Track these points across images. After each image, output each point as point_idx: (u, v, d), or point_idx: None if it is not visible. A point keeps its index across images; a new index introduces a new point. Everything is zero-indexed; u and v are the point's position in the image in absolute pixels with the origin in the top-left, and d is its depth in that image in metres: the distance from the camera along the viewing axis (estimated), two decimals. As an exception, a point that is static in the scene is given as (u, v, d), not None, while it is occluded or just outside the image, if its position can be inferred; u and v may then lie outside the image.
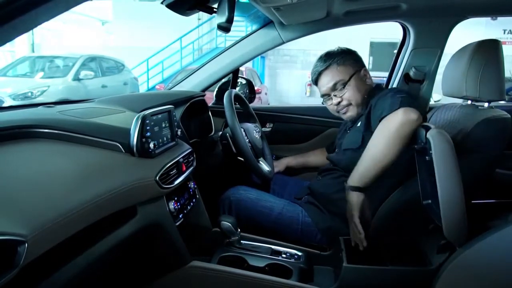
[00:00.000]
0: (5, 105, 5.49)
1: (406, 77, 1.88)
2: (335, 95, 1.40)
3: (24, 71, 7.05)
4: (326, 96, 1.43)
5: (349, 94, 1.38)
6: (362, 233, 1.16)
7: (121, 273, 1.08)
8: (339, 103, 1.40)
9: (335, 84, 1.39)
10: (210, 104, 1.84)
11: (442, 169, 0.95)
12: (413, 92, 1.86)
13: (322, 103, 1.48)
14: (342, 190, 1.28)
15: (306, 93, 11.27)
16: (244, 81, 2.01)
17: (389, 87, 1.97)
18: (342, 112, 1.42)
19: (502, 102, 1.75)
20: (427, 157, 1.01)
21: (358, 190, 1.17)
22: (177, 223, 1.07)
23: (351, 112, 1.40)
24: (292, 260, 1.23)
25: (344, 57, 1.40)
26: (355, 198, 1.17)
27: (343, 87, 1.38)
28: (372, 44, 11.42)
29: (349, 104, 1.39)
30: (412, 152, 1.14)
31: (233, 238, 1.23)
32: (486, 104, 1.31)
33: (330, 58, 1.40)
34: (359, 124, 1.36)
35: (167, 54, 10.52)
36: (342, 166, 1.37)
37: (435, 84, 1.89)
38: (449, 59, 1.41)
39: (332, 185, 1.35)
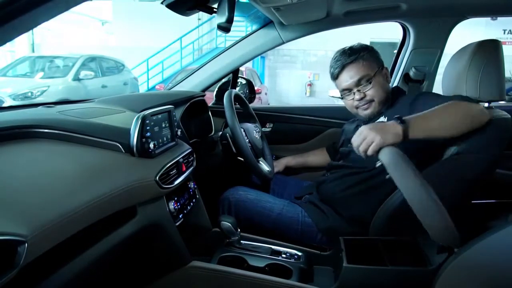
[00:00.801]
0: (5, 105, 5.49)
1: (406, 77, 1.89)
2: (358, 90, 1.35)
3: (24, 71, 7.05)
4: (347, 91, 1.39)
5: (374, 90, 1.34)
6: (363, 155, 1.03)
7: (121, 273, 1.08)
8: (362, 98, 1.35)
9: (360, 79, 1.34)
10: (210, 104, 1.84)
11: (403, 185, 0.94)
12: (413, 92, 1.86)
13: (341, 97, 1.44)
14: (350, 188, 1.28)
15: (306, 93, 11.26)
16: (244, 81, 2.01)
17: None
18: (362, 108, 1.37)
19: (502, 102, 1.75)
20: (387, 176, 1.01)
21: (404, 136, 1.00)
22: (177, 223, 1.07)
23: (372, 109, 1.36)
24: (292, 260, 1.23)
25: (370, 53, 1.38)
26: (395, 130, 1.00)
27: (369, 83, 1.34)
28: (372, 44, 11.42)
29: (372, 101, 1.35)
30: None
31: (233, 238, 1.23)
32: (486, 104, 1.31)
33: (356, 52, 1.36)
34: (381, 119, 1.33)
35: (167, 54, 10.52)
36: (357, 163, 1.34)
37: (435, 84, 1.89)
38: (449, 59, 1.41)
39: (342, 183, 1.34)
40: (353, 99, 1.37)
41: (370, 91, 1.34)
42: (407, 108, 1.23)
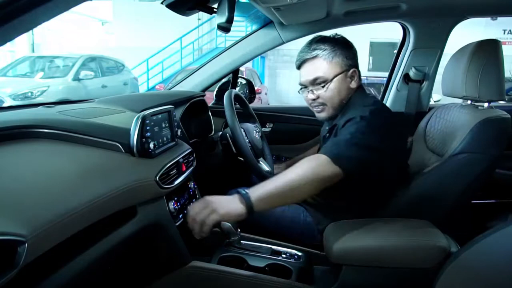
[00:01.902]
0: (5, 105, 5.49)
1: (406, 77, 1.89)
2: (311, 90, 1.26)
3: (24, 71, 7.06)
4: (303, 86, 1.30)
5: (327, 95, 1.24)
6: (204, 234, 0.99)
7: (121, 273, 1.08)
8: (314, 99, 1.27)
9: (315, 79, 1.24)
10: (210, 104, 1.85)
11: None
12: (413, 92, 1.87)
13: (298, 91, 1.35)
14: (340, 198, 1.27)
15: (306, 93, 11.24)
16: (244, 81, 2.01)
17: (389, 87, 1.97)
18: (315, 110, 1.31)
19: (502, 102, 1.75)
20: None
21: (248, 213, 0.98)
22: (177, 223, 1.07)
23: (325, 114, 1.29)
24: (292, 260, 1.23)
25: (336, 51, 1.24)
26: (238, 211, 0.98)
27: (322, 86, 1.24)
28: (372, 44, 11.43)
29: (324, 104, 1.27)
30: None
31: (233, 238, 1.23)
32: (486, 104, 1.31)
33: (320, 47, 1.24)
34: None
35: (167, 54, 10.52)
36: None
37: (435, 84, 1.89)
38: (449, 59, 1.41)
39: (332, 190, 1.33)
40: (307, 97, 1.30)
41: (323, 95, 1.25)
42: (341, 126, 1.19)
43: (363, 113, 1.14)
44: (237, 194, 1.00)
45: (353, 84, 1.27)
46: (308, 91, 1.28)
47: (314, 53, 1.24)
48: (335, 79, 1.23)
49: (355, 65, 1.28)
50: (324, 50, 1.24)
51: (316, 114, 1.32)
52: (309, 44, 1.28)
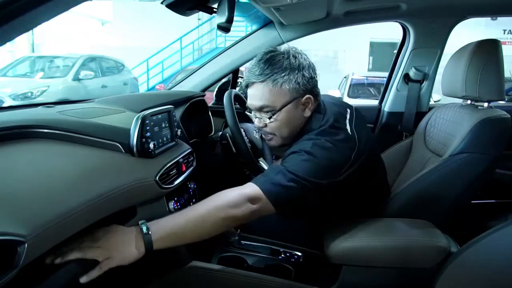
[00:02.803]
0: (5, 105, 5.49)
1: (406, 77, 1.89)
2: (259, 117, 1.12)
3: (24, 71, 7.06)
4: (250, 110, 1.16)
5: (274, 125, 1.11)
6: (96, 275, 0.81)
7: (121, 273, 1.08)
8: (261, 127, 1.14)
9: (261, 107, 1.09)
10: (210, 104, 1.84)
11: None
12: (413, 92, 1.87)
13: (246, 112, 1.21)
14: None
15: (306, 93, 11.24)
16: (244, 81, 2.00)
17: (389, 87, 1.97)
18: (265, 137, 1.19)
19: (502, 102, 1.75)
20: None
21: (146, 250, 0.86)
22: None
23: (274, 142, 1.16)
24: (292, 260, 1.23)
25: (289, 77, 1.06)
26: (135, 256, 0.84)
27: (270, 117, 1.09)
28: (372, 44, 11.44)
29: (273, 134, 1.14)
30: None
31: (233, 238, 1.23)
32: (485, 104, 1.31)
33: (271, 70, 1.06)
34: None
35: (167, 54, 10.52)
36: None
37: (435, 84, 1.89)
38: (449, 59, 1.41)
39: None
40: (255, 122, 1.17)
41: (270, 125, 1.11)
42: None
43: (308, 146, 1.02)
44: (138, 233, 0.86)
45: (307, 112, 1.11)
46: (255, 117, 1.14)
47: (261, 77, 1.07)
48: (284, 109, 1.08)
49: (311, 89, 1.10)
50: (272, 75, 1.06)
51: (266, 142, 1.21)
52: (257, 63, 1.09)
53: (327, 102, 1.19)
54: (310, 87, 1.10)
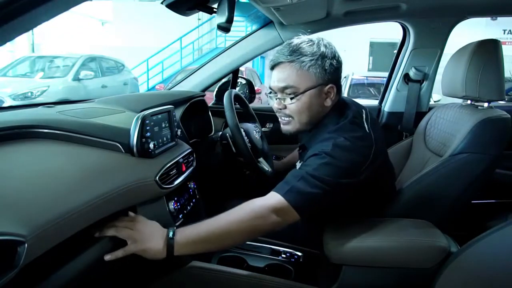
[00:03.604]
0: (5, 105, 5.49)
1: (406, 77, 1.89)
2: (279, 99, 1.12)
3: (24, 71, 7.06)
4: (272, 91, 1.15)
5: (295, 108, 1.10)
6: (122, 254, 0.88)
7: (121, 273, 1.08)
8: (280, 109, 1.13)
9: (284, 87, 1.10)
10: (210, 104, 1.85)
11: None
12: (413, 92, 1.87)
13: (266, 94, 1.21)
14: None
15: (306, 93, 11.24)
16: (244, 81, 2.01)
17: (389, 87, 1.97)
18: (281, 120, 1.17)
19: (502, 102, 1.75)
20: None
21: (168, 254, 0.90)
22: (177, 223, 1.07)
23: (290, 127, 1.14)
24: (292, 260, 1.23)
25: (316, 62, 1.07)
26: (155, 254, 0.89)
27: (292, 97, 1.09)
28: (372, 44, 11.44)
29: (290, 117, 1.13)
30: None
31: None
32: (485, 104, 1.31)
33: (300, 53, 1.08)
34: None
35: (167, 54, 10.52)
36: None
37: (435, 84, 1.89)
38: (449, 59, 1.41)
39: None
40: (274, 104, 1.16)
41: (291, 107, 1.11)
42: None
43: (329, 148, 1.02)
44: (164, 234, 0.91)
45: (328, 102, 1.11)
46: (276, 98, 1.14)
47: (291, 57, 1.08)
48: (307, 92, 1.08)
49: (335, 80, 1.11)
50: (302, 56, 1.07)
51: (281, 126, 1.18)
52: (287, 45, 1.12)
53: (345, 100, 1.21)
54: (335, 77, 1.11)
